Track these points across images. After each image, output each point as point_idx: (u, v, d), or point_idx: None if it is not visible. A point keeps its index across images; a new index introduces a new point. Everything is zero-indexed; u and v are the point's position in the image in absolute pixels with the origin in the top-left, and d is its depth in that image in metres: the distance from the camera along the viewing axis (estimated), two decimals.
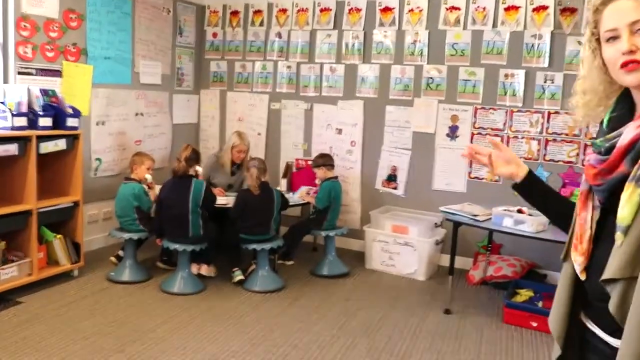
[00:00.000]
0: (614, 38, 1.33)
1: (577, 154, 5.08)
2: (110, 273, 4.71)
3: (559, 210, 1.66)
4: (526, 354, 3.80)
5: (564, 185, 4.71)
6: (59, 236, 4.55)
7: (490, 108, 5.34)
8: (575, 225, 1.47)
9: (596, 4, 1.36)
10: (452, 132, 5.50)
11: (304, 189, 5.38)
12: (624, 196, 1.28)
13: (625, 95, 1.41)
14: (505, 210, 4.24)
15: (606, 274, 1.30)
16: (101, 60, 5.28)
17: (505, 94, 5.27)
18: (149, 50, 5.82)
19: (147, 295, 4.41)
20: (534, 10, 5.11)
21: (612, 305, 1.29)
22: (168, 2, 6.00)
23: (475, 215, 4.34)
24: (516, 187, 1.73)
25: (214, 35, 6.51)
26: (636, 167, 1.27)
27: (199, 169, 4.68)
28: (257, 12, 6.24)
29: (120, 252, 4.90)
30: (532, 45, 5.15)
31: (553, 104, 5.11)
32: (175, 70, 6.23)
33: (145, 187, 4.83)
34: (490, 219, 4.32)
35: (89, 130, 5.19)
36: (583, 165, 5.09)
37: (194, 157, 4.59)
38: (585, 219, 1.43)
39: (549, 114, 5.14)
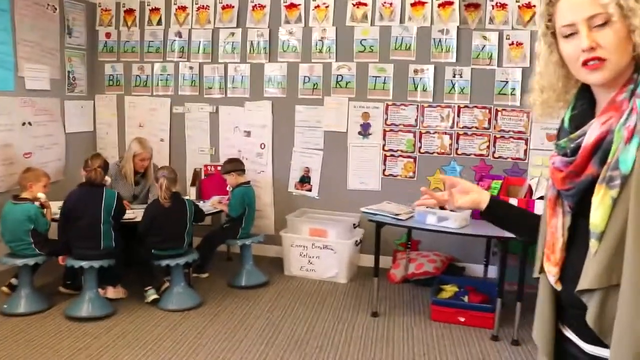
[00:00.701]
0: (572, 34, 1.24)
1: (488, 146, 5.14)
2: (3, 306, 4.14)
3: (530, 226, 1.56)
4: (459, 350, 3.76)
5: (481, 179, 4.72)
6: None
7: (402, 104, 5.30)
8: (545, 234, 1.38)
9: None
10: (365, 130, 5.41)
11: (215, 198, 5.09)
12: (595, 200, 1.20)
13: (584, 91, 1.34)
14: (427, 207, 4.17)
15: (581, 284, 1.22)
16: None
17: (416, 89, 5.25)
18: (34, 53, 5.27)
19: (49, 326, 3.93)
20: (439, 5, 5.12)
21: (589, 317, 1.21)
22: None
23: (397, 215, 4.25)
24: (484, 214, 1.66)
25: (107, 35, 6.03)
26: (605, 167, 1.19)
27: (108, 179, 4.29)
28: (154, 10, 5.84)
29: (13, 280, 4.37)
30: (440, 41, 5.16)
31: (463, 98, 5.15)
32: (66, 74, 5.70)
33: (38, 205, 4.31)
34: (412, 217, 4.25)
35: None
36: (493, 157, 5.23)
37: (105, 167, 4.22)
38: (556, 227, 1.35)
39: (459, 108, 5.17)
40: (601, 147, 1.21)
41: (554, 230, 1.35)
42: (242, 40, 5.62)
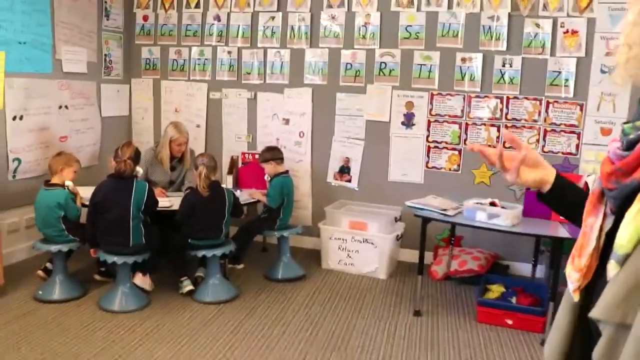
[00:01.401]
0: None
1: (537, 140, 4.90)
2: (38, 292, 4.08)
3: None
4: (507, 355, 3.56)
5: None
6: None
7: (447, 94, 5.07)
8: (580, 232, 1.10)
9: None
10: (408, 120, 5.20)
11: (254, 192, 4.91)
12: (629, 214, 0.92)
13: None
14: (477, 203, 3.96)
15: (593, 312, 0.96)
16: (15, 46, 4.60)
17: (463, 78, 5.01)
18: (72, 35, 5.17)
19: (83, 316, 3.84)
20: None
21: (595, 352, 0.95)
22: None
23: (444, 210, 4.05)
24: (544, 197, 1.37)
25: (145, 18, 5.89)
26: None
27: (139, 169, 4.13)
28: None
29: (48, 265, 4.30)
30: (489, 28, 4.91)
31: (512, 89, 4.90)
32: (103, 57, 5.59)
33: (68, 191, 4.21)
34: (460, 212, 4.05)
35: (4, 126, 4.54)
36: (543, 151, 4.99)
37: (137, 157, 4.05)
38: (591, 227, 1.06)
39: (508, 99, 4.93)
40: None
41: (589, 230, 1.07)
42: (282, 25, 5.44)
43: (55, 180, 4.17)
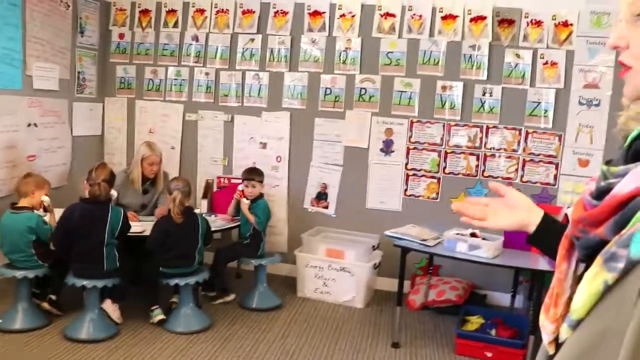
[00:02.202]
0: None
1: (516, 170, 4.89)
2: None
3: None
4: None
5: None
6: None
7: (427, 121, 5.04)
8: (553, 278, 0.98)
9: None
10: (387, 147, 5.15)
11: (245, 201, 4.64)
12: (586, 277, 0.82)
13: None
14: (458, 234, 3.90)
15: None
16: None
17: (443, 106, 4.99)
18: (44, 51, 5.00)
19: (48, 346, 3.64)
20: (471, 20, 4.88)
21: None
22: None
23: (424, 240, 3.98)
24: (532, 239, 1.32)
25: (121, 36, 5.77)
26: (615, 239, 0.79)
27: (114, 193, 3.99)
28: (171, 11, 5.58)
29: (53, 296, 4.08)
30: (470, 57, 4.91)
31: (492, 118, 4.90)
32: (76, 74, 5.43)
33: (41, 212, 4.03)
34: (440, 243, 3.99)
35: None
36: (522, 181, 4.98)
37: (111, 180, 3.91)
38: (565, 274, 0.95)
39: (488, 128, 4.92)
40: (628, 207, 0.80)
41: (562, 277, 0.96)
42: (261, 47, 5.37)
43: (24, 203, 3.98)
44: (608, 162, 0.90)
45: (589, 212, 0.88)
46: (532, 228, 1.30)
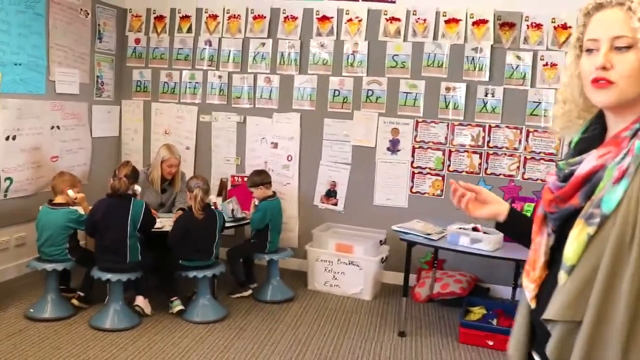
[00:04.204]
0: (593, 50, 1.23)
1: (518, 167, 5.08)
2: (29, 310, 4.13)
3: None
4: None
5: (514, 201, 4.65)
6: None
7: (432, 121, 5.25)
8: (530, 250, 1.40)
9: (588, 7, 1.25)
10: (393, 146, 5.36)
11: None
12: (572, 233, 1.20)
13: (601, 116, 1.31)
14: (460, 228, 4.11)
15: (546, 313, 1.21)
16: (11, 67, 4.68)
17: (447, 107, 5.20)
18: (66, 57, 5.26)
19: (75, 334, 3.90)
20: (474, 23, 5.08)
21: (549, 348, 1.20)
22: (86, 4, 5.45)
23: (428, 234, 4.19)
24: (500, 226, 1.63)
25: (137, 41, 6.02)
26: (588, 203, 1.19)
27: (138, 188, 4.25)
28: (185, 17, 5.83)
29: (80, 292, 4.33)
30: (473, 59, 5.11)
31: (494, 118, 5.10)
32: (95, 78, 5.68)
33: (74, 205, 4.32)
34: (444, 237, 4.20)
35: None
36: (523, 178, 5.17)
37: (134, 176, 4.16)
38: (540, 244, 1.35)
39: (490, 127, 5.12)
40: (591, 181, 1.20)
41: (537, 247, 1.35)
42: (272, 51, 5.60)
43: (59, 199, 4.26)
44: (560, 160, 1.32)
45: (560, 191, 1.26)
46: (502, 217, 1.60)
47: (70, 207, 4.26)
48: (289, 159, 5.61)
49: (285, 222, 5.51)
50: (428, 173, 5.30)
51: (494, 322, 4.24)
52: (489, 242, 3.94)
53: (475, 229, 4.11)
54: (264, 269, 4.94)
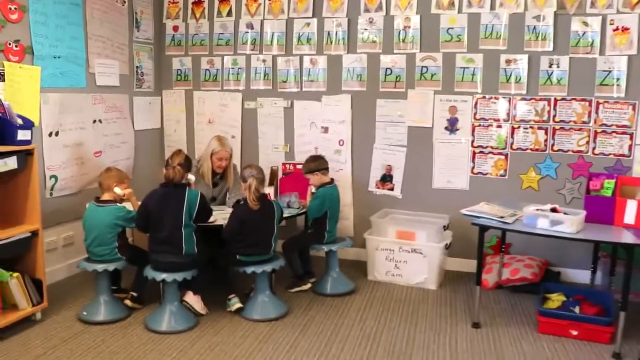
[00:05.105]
0: None
1: (587, 142, 4.72)
2: (83, 312, 3.94)
3: None
4: None
5: (591, 178, 4.27)
6: (15, 274, 3.73)
7: (492, 97, 4.91)
8: None
9: None
10: (451, 125, 5.04)
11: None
12: None
13: None
14: (538, 210, 3.79)
15: None
16: (50, 60, 4.49)
17: (508, 81, 4.86)
18: (105, 48, 5.05)
19: (131, 337, 3.70)
20: None
21: None
22: None
23: (501, 217, 3.88)
24: None
25: (175, 28, 5.78)
26: None
27: (192, 177, 4.03)
28: (224, 0, 5.56)
29: (134, 293, 4.14)
30: (534, 28, 4.75)
31: (560, 90, 4.74)
32: (134, 69, 5.47)
33: (122, 202, 4.12)
34: (519, 220, 3.88)
35: (40, 143, 4.41)
36: (593, 154, 4.80)
37: (187, 164, 3.93)
38: None
39: (556, 100, 4.76)
40: None
41: None
42: (318, 31, 5.31)
43: (106, 196, 4.05)
44: None
45: None
46: None
47: (118, 204, 4.05)
48: (341, 143, 5.34)
49: (340, 210, 5.24)
50: (490, 152, 4.97)
51: (576, 309, 3.91)
52: (572, 224, 3.61)
53: (554, 210, 3.79)
54: (319, 260, 4.68)
